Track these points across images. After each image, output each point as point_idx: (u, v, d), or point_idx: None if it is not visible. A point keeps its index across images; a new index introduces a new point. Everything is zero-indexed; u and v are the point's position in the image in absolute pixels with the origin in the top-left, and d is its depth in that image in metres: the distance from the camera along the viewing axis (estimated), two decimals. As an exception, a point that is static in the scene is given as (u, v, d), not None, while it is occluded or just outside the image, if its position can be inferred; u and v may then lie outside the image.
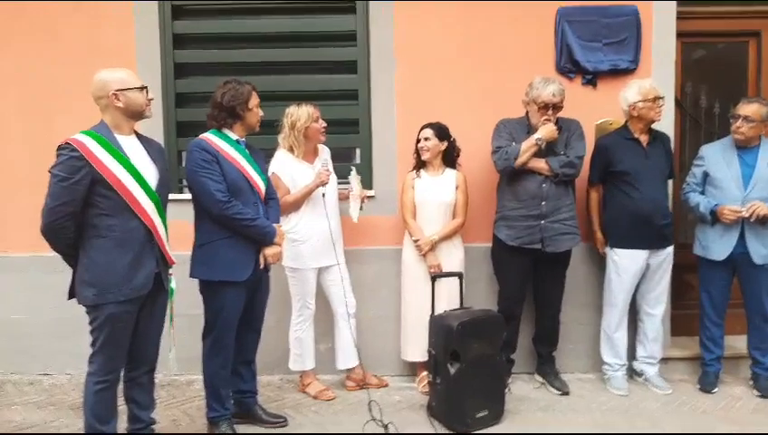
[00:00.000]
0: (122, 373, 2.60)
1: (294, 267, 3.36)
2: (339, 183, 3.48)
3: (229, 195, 2.73)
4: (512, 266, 3.47)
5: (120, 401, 2.63)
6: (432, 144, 3.42)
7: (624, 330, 3.57)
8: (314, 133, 3.31)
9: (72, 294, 2.50)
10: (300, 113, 3.27)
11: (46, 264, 3.40)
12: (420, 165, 3.52)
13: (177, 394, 3.57)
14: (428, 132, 3.43)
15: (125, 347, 2.53)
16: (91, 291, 2.40)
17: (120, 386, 2.61)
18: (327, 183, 3.29)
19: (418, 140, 3.47)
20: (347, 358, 3.52)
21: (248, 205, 2.80)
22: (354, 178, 3.42)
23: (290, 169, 3.29)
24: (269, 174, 3.23)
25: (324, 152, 3.45)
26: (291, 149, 3.31)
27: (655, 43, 3.70)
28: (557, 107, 3.30)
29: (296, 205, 3.30)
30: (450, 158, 3.51)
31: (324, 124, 3.34)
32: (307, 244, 3.32)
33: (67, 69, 3.69)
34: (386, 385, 3.63)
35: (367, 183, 3.73)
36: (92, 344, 2.49)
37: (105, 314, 2.41)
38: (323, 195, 3.28)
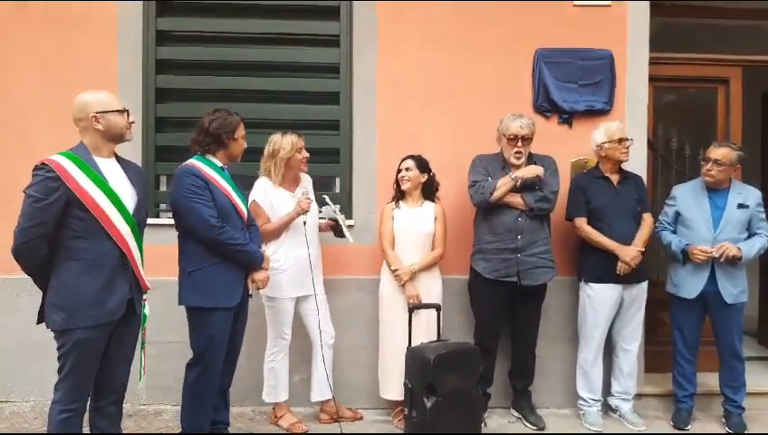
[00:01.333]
0: (89, 402, 2.51)
1: (272, 296, 3.32)
2: (319, 211, 3.47)
3: (221, 220, 2.73)
4: (488, 299, 3.49)
5: (86, 430, 2.52)
6: (413, 175, 3.46)
7: (600, 365, 3.60)
8: (296, 163, 3.33)
9: (41, 318, 2.43)
10: (283, 143, 3.28)
11: (14, 286, 3.31)
12: (400, 196, 3.54)
13: (145, 425, 3.45)
14: (410, 163, 3.47)
15: (92, 374, 2.45)
16: (61, 315, 2.34)
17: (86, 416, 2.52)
18: (308, 211, 3.29)
19: (399, 171, 3.50)
20: (322, 390, 3.47)
21: (236, 230, 2.81)
22: (331, 204, 3.45)
23: (270, 197, 3.28)
24: (249, 201, 3.23)
25: (306, 181, 3.45)
26: (271, 177, 3.31)
27: (628, 87, 3.83)
28: (525, 139, 3.38)
29: (277, 233, 3.28)
30: (429, 191, 3.54)
31: (307, 154, 3.36)
32: (286, 273, 3.29)
33: (48, 91, 3.66)
34: (360, 418, 3.58)
35: (346, 213, 3.73)
36: (59, 371, 2.40)
37: (74, 339, 2.34)
38: (304, 223, 3.28)
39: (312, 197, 3.40)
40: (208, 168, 2.82)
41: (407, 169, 3.47)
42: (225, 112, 2.87)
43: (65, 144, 2.45)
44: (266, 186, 3.31)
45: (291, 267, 3.29)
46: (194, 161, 2.83)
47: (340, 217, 3.43)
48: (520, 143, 3.38)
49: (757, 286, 4.84)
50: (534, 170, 3.36)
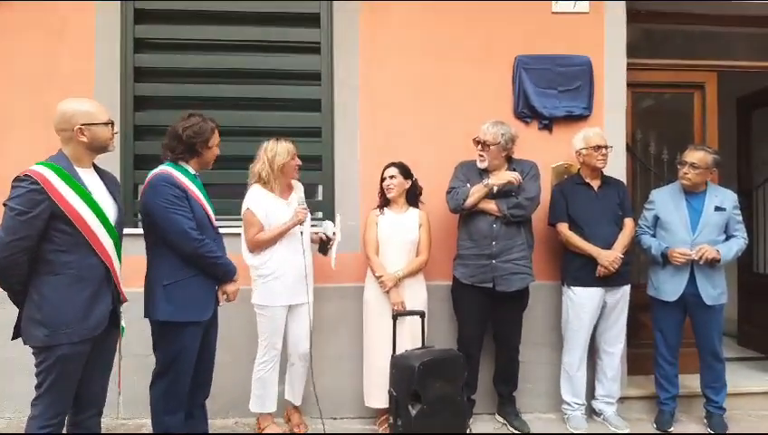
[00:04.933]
0: (67, 417, 2.44)
1: (264, 304, 3.26)
2: (316, 222, 3.44)
3: (199, 232, 2.66)
4: (468, 305, 3.50)
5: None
6: (397, 181, 3.46)
7: (584, 369, 3.61)
8: (290, 170, 3.30)
9: (17, 334, 2.36)
10: (279, 149, 3.25)
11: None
12: (384, 203, 3.54)
13: (126, 440, 3.39)
14: (394, 170, 3.47)
15: (73, 389, 2.39)
16: (43, 331, 2.27)
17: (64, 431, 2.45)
18: (304, 221, 3.27)
19: (383, 179, 3.49)
20: (294, 395, 3.47)
21: (212, 241, 2.74)
22: (339, 224, 3.41)
23: (264, 206, 3.23)
24: (243, 210, 3.21)
25: (299, 189, 3.43)
26: (265, 184, 3.26)
27: (607, 92, 3.88)
28: (486, 144, 3.41)
29: (271, 243, 3.24)
30: (413, 196, 3.55)
31: (299, 162, 3.34)
32: (280, 280, 3.24)
33: (24, 98, 3.60)
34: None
35: (329, 220, 3.71)
36: (38, 386, 2.33)
37: (56, 354, 2.28)
38: (301, 233, 3.26)
39: (303, 197, 3.37)
40: (183, 176, 2.71)
41: (391, 177, 3.46)
42: (200, 119, 2.76)
43: (42, 153, 2.40)
44: (260, 194, 3.26)
45: (286, 275, 3.25)
46: (168, 169, 2.70)
47: (337, 240, 3.38)
48: (480, 147, 3.42)
49: (736, 288, 4.92)
50: (507, 176, 3.38)
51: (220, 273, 2.76)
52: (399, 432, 3.01)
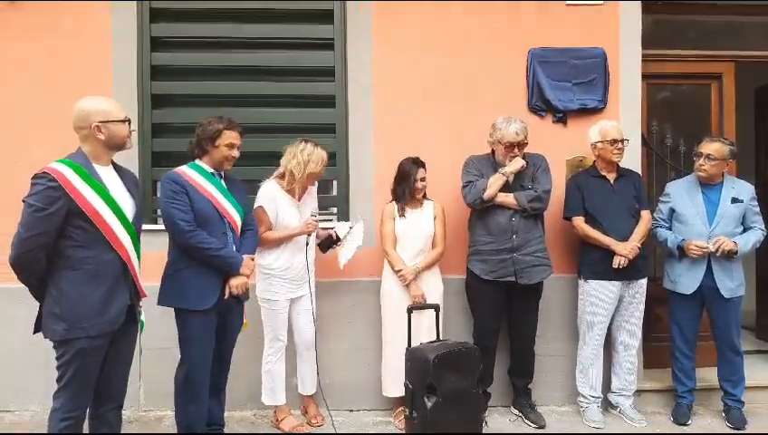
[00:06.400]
0: (88, 410, 2.51)
1: (267, 298, 3.33)
2: (323, 213, 3.46)
3: (194, 225, 2.77)
4: (486, 299, 3.50)
5: (86, 438, 2.53)
6: (426, 181, 3.47)
7: (600, 362, 3.61)
8: (316, 178, 3.36)
9: (38, 328, 2.42)
10: (314, 157, 3.25)
11: (10, 295, 3.30)
12: (399, 198, 3.50)
13: (147, 431, 3.45)
14: (423, 172, 3.45)
15: (93, 382, 2.44)
16: (62, 325, 2.32)
17: (86, 424, 2.51)
18: (312, 233, 3.31)
19: (414, 180, 3.42)
20: (305, 386, 3.52)
21: (216, 235, 2.82)
22: (360, 228, 3.42)
23: (276, 204, 3.27)
24: (255, 206, 3.24)
25: (313, 196, 3.47)
26: (285, 181, 3.28)
27: (622, 84, 3.85)
28: (521, 145, 3.40)
29: (276, 244, 3.29)
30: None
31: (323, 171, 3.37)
32: (283, 278, 3.31)
33: (43, 98, 3.67)
34: (320, 425, 3.49)
35: (343, 216, 3.75)
36: (59, 380, 2.39)
37: (75, 348, 2.33)
38: (307, 243, 3.31)
39: (316, 206, 3.43)
40: (196, 173, 2.88)
41: (422, 179, 3.45)
42: (214, 119, 2.91)
43: (62, 151, 2.44)
44: (274, 191, 3.30)
45: (288, 270, 3.31)
46: (182, 167, 2.90)
47: (357, 244, 3.38)
48: (516, 150, 3.40)
49: (754, 280, 4.86)
50: (519, 162, 3.39)
51: (220, 265, 2.83)
52: (414, 424, 3.04)
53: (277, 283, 3.30)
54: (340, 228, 3.43)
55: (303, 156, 3.25)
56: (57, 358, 2.38)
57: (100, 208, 2.35)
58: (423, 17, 3.81)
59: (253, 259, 2.99)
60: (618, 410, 3.64)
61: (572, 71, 3.81)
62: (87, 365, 2.37)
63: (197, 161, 2.93)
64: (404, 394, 3.24)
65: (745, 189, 3.48)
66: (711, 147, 3.43)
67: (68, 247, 2.33)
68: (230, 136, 2.90)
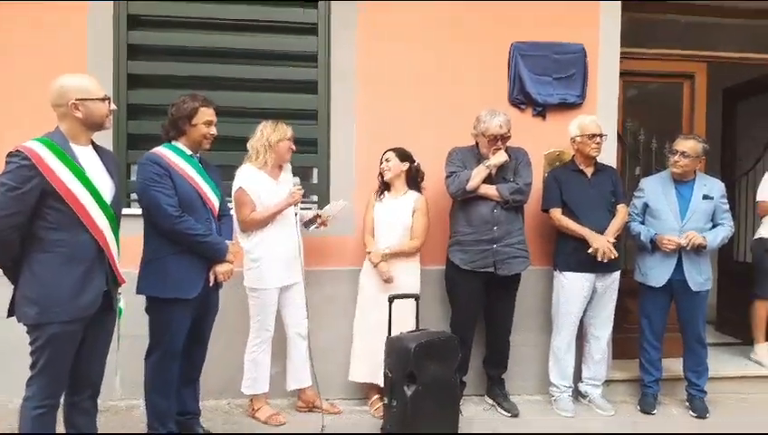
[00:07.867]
0: (62, 398, 2.43)
1: (256, 287, 3.28)
2: (302, 202, 3.44)
3: (180, 210, 2.68)
4: (465, 289, 3.53)
5: (60, 428, 2.44)
6: (392, 165, 3.48)
7: (573, 352, 3.69)
8: (284, 149, 3.29)
9: (11, 312, 2.33)
10: (277, 128, 3.27)
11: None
12: (385, 186, 3.56)
13: (116, 421, 3.37)
14: (389, 154, 3.51)
15: (67, 369, 2.37)
16: (34, 309, 2.25)
17: (60, 412, 2.43)
18: (299, 202, 3.27)
19: (381, 162, 3.52)
20: (299, 378, 3.47)
21: (200, 221, 2.75)
22: (341, 206, 3.43)
23: (256, 185, 3.23)
24: (234, 189, 3.18)
25: (287, 170, 3.42)
26: (258, 162, 3.26)
27: (600, 81, 3.91)
28: (505, 137, 3.44)
29: (264, 222, 3.23)
30: (413, 180, 3.57)
31: (294, 146, 3.34)
32: (272, 263, 3.25)
33: (15, 77, 3.52)
34: (338, 412, 3.54)
35: (324, 203, 3.72)
36: (32, 366, 2.31)
37: (48, 333, 2.26)
38: (296, 214, 3.26)
39: (297, 180, 3.40)
40: (175, 155, 2.76)
41: (386, 161, 3.50)
42: (188, 98, 2.80)
43: (37, 132, 2.34)
44: (252, 173, 3.26)
45: (278, 257, 3.26)
46: (159, 149, 2.77)
47: (331, 214, 3.42)
48: (500, 142, 3.43)
49: (716, 275, 5.03)
50: (503, 156, 3.43)
51: (207, 252, 2.76)
52: (394, 413, 3.05)
53: (267, 269, 3.24)
54: (327, 208, 3.44)
55: (266, 130, 3.26)
56: (30, 343, 2.30)
57: (74, 189, 2.27)
58: (409, 6, 3.77)
59: (235, 245, 2.94)
60: (587, 399, 3.74)
61: (553, 65, 3.86)
62: (60, 351, 2.30)
63: (174, 142, 2.81)
64: (371, 380, 3.33)
65: (716, 187, 3.60)
66: (686, 144, 3.53)
67: (42, 229, 2.25)
68: (207, 113, 2.81)
